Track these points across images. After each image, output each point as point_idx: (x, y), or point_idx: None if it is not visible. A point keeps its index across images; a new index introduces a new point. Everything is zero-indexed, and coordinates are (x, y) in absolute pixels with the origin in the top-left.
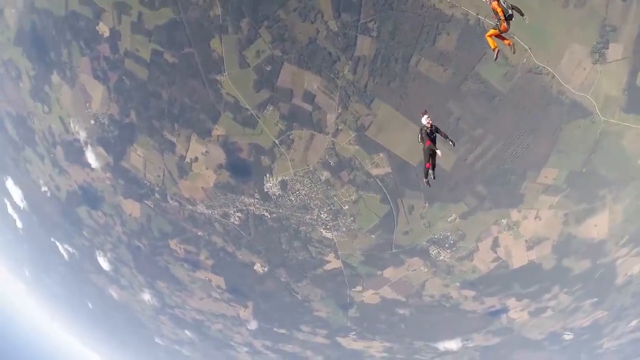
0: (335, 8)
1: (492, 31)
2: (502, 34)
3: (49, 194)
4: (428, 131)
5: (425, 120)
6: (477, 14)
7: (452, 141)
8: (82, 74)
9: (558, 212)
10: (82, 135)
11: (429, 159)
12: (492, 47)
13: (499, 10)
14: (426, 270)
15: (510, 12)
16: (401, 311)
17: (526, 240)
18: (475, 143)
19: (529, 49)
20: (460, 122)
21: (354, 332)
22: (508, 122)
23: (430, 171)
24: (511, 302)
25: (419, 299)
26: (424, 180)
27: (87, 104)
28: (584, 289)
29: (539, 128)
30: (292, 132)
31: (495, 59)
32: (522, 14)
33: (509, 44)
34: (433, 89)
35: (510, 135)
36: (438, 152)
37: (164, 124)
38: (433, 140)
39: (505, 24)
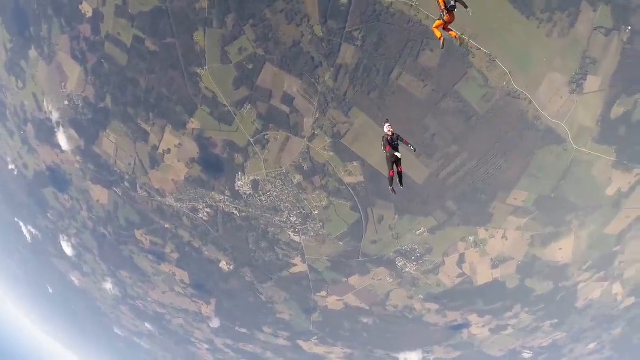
0: (322, 14)
1: (437, 22)
2: (448, 25)
3: (15, 172)
4: (389, 139)
5: (386, 128)
6: (462, 34)
7: (413, 147)
8: (60, 52)
9: (525, 233)
10: (55, 115)
11: (392, 166)
12: (438, 37)
13: (440, 1)
14: (391, 280)
15: (452, 3)
16: (364, 320)
17: (492, 259)
18: (449, 160)
19: (509, 72)
20: (436, 138)
21: (316, 337)
22: (483, 142)
23: (397, 180)
24: (473, 318)
25: (383, 309)
26: (390, 187)
27: (63, 84)
28: (545, 310)
29: (513, 151)
30: (268, 132)
31: (442, 47)
32: (465, 6)
33: (455, 36)
34: (412, 103)
35: (484, 155)
36: (398, 154)
37: (139, 112)
38: (395, 148)
39: (448, 15)
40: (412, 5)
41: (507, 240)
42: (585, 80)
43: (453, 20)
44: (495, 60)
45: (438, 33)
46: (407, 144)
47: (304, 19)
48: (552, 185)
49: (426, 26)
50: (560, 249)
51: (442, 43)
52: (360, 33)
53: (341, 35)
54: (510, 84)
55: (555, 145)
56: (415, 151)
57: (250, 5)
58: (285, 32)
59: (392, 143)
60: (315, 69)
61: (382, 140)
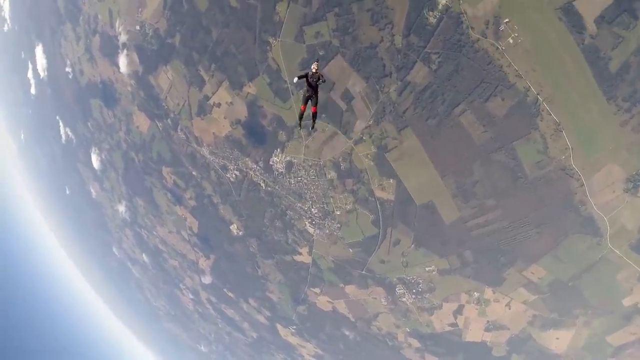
0: (407, 26)
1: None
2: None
3: (70, 76)
4: (310, 78)
5: (314, 67)
6: (538, 94)
7: (323, 79)
8: None
9: (529, 310)
10: (123, 37)
11: (306, 102)
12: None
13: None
14: (385, 303)
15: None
16: (346, 331)
17: (488, 321)
18: (483, 211)
19: (572, 148)
20: (478, 186)
21: (295, 327)
22: (522, 206)
23: (311, 119)
24: None
25: (367, 327)
26: (298, 122)
27: (140, 10)
28: None
29: (547, 225)
30: (319, 121)
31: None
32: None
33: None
34: (466, 143)
35: (518, 219)
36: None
37: (203, 59)
38: (312, 86)
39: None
40: (497, 48)
41: (509, 309)
42: None
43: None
44: (562, 131)
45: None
46: (323, 81)
47: (388, 25)
48: (572, 273)
49: (505, 73)
50: (557, 338)
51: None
52: (438, 57)
53: (419, 53)
54: (568, 160)
55: (591, 236)
56: (324, 82)
57: None
58: (365, 32)
59: (312, 81)
60: (384, 77)
61: (305, 77)
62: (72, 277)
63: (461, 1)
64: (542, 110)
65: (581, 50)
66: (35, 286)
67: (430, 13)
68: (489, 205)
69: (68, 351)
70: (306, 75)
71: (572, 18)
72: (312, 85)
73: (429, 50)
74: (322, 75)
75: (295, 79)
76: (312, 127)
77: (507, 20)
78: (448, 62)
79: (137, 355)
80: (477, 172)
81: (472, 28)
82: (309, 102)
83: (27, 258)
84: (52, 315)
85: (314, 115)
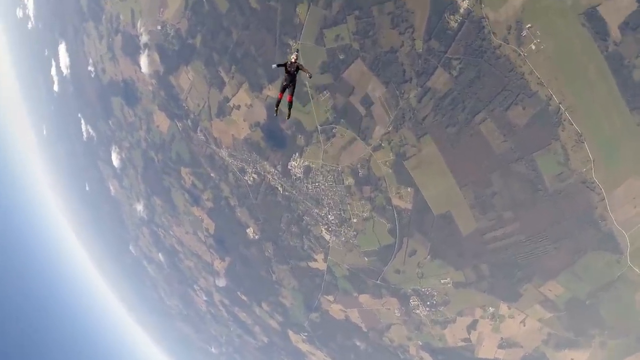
0: (428, 30)
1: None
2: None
3: (93, 74)
4: (289, 67)
5: (293, 56)
6: (560, 103)
7: (309, 74)
8: None
9: (544, 328)
10: (144, 38)
11: (284, 90)
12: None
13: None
14: (399, 315)
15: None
16: (358, 342)
17: (502, 338)
18: (501, 224)
19: (593, 160)
20: (496, 197)
21: (306, 334)
22: (541, 220)
23: (287, 108)
24: None
25: (379, 337)
26: (275, 108)
27: (161, 10)
28: None
29: (566, 241)
30: (337, 126)
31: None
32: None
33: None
34: (485, 153)
35: (536, 233)
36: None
37: (223, 60)
38: (290, 74)
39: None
40: (519, 55)
41: (524, 326)
42: None
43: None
44: (583, 142)
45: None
46: (306, 72)
47: (408, 29)
48: (590, 291)
49: (527, 81)
50: (572, 359)
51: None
52: (459, 63)
53: (440, 58)
54: (590, 172)
55: (610, 253)
56: (310, 77)
57: None
58: (386, 36)
59: (291, 70)
60: (404, 82)
61: (285, 65)
62: (87, 272)
63: (483, 5)
64: (564, 120)
65: (605, 57)
66: (51, 279)
67: (452, 17)
68: (507, 217)
69: (79, 346)
70: (285, 64)
71: (595, 24)
72: (291, 74)
73: (450, 56)
74: (301, 66)
75: (274, 66)
76: (288, 117)
77: (529, 25)
78: (469, 68)
79: (148, 353)
80: (496, 183)
81: (494, 33)
82: (287, 90)
83: (43, 250)
84: (66, 308)
85: (290, 105)
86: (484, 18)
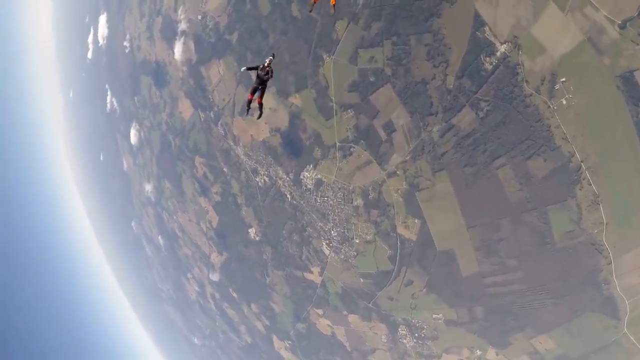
0: (462, 67)
1: None
2: None
3: (127, 50)
4: (261, 71)
5: (267, 60)
6: (582, 162)
7: (271, 74)
8: None
9: None
10: (183, 26)
11: (254, 92)
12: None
13: None
14: (385, 341)
15: None
16: None
17: None
18: (503, 270)
19: (606, 224)
20: (502, 243)
21: (290, 342)
22: (543, 273)
23: (257, 108)
24: None
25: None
26: (247, 108)
27: (204, 0)
28: None
29: (566, 298)
30: (356, 146)
31: (310, 10)
32: None
33: (333, 3)
34: (499, 198)
35: (537, 285)
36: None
37: (256, 61)
38: (261, 79)
39: None
40: (549, 107)
41: None
42: None
43: None
44: (599, 204)
45: None
46: (272, 77)
47: (443, 63)
48: (582, 351)
49: (552, 134)
50: None
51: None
52: (487, 105)
53: (469, 97)
54: (601, 235)
55: (609, 317)
56: (261, 113)
57: (400, 23)
58: (419, 66)
59: (261, 74)
60: (429, 115)
61: (256, 68)
62: (86, 237)
63: (520, 52)
64: (583, 179)
65: (634, 123)
66: (49, 232)
67: (487, 59)
68: (510, 265)
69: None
70: (257, 68)
71: (630, 88)
72: (262, 79)
73: (480, 97)
74: (271, 70)
75: (244, 69)
76: (259, 117)
77: (564, 79)
78: (497, 111)
79: (131, 330)
80: (505, 229)
81: (527, 81)
82: (257, 93)
83: (47, 203)
84: (59, 263)
85: (260, 107)
86: (519, 65)
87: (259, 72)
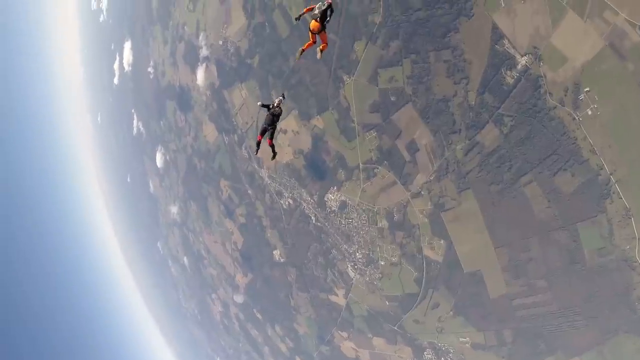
0: (483, 83)
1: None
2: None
3: (151, 76)
4: (270, 108)
5: (277, 100)
6: (611, 174)
7: (272, 146)
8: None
9: None
10: (204, 52)
11: (263, 133)
12: (306, 45)
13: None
14: None
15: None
16: None
17: None
18: (532, 292)
19: (638, 239)
20: (531, 264)
21: None
22: (574, 294)
23: (268, 149)
24: None
25: None
26: (256, 149)
27: (225, 26)
28: None
29: (598, 319)
30: (379, 167)
31: (298, 59)
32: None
33: (321, 49)
34: (526, 216)
35: (568, 307)
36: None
37: (277, 84)
38: (271, 120)
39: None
40: (574, 119)
41: None
42: None
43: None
44: (630, 218)
45: (311, 38)
46: (272, 136)
47: (463, 79)
48: None
49: (579, 147)
50: None
51: (300, 53)
52: (511, 121)
53: (492, 113)
54: (633, 251)
55: None
56: (273, 153)
57: (418, 40)
58: (440, 84)
59: (272, 114)
60: (452, 133)
61: (269, 107)
62: (114, 254)
63: (542, 63)
64: (613, 193)
65: None
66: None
67: (509, 72)
68: (539, 286)
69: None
70: (269, 106)
71: None
72: (271, 119)
73: (503, 112)
74: (280, 110)
75: (259, 104)
76: (272, 158)
77: (587, 89)
78: (521, 126)
79: (155, 347)
80: (534, 249)
81: (550, 94)
82: (267, 134)
83: (76, 221)
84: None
85: (272, 148)
86: (541, 77)
87: (271, 110)
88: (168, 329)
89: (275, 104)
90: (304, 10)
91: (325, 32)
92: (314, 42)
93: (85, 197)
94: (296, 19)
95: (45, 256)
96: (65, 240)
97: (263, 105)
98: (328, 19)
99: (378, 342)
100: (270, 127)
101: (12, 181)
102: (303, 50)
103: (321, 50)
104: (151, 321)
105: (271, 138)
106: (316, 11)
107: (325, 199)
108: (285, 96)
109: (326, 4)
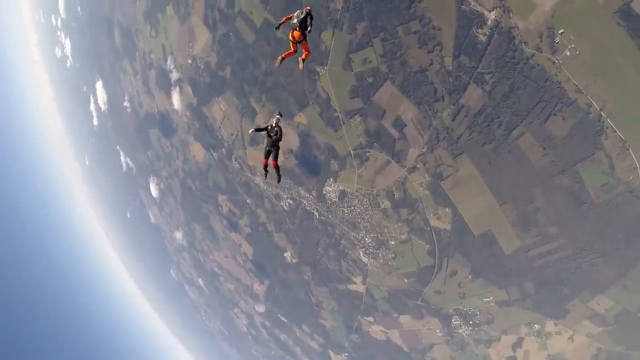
0: (456, 46)
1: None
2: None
3: (129, 110)
4: (269, 131)
5: (274, 120)
6: (601, 110)
7: (277, 168)
8: (194, 16)
9: (593, 343)
10: (175, 75)
11: (268, 156)
12: (286, 53)
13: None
14: (440, 334)
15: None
16: None
17: (549, 355)
18: (545, 240)
19: None
20: (539, 213)
21: (347, 355)
22: (587, 233)
23: (273, 171)
24: None
25: (421, 358)
26: (264, 173)
27: (190, 44)
28: None
29: (615, 253)
30: (371, 150)
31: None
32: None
33: (303, 59)
34: (525, 168)
35: (583, 247)
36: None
37: (254, 91)
38: (272, 140)
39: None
40: (554, 63)
41: (572, 342)
42: None
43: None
44: (628, 149)
45: (292, 47)
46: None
47: (436, 46)
48: None
49: (564, 89)
50: None
51: (279, 61)
52: (492, 77)
53: (471, 74)
54: (636, 180)
55: None
56: (278, 180)
57: (384, 18)
58: (414, 56)
59: (272, 135)
60: (436, 101)
61: (263, 130)
62: (132, 295)
63: (511, 14)
64: (607, 128)
65: None
66: (97, 301)
67: (480, 30)
68: (551, 233)
69: None
70: (265, 129)
71: (631, 21)
72: (273, 140)
73: (482, 71)
74: (280, 130)
75: (251, 131)
76: (278, 181)
77: (562, 31)
78: (503, 81)
79: None
80: (538, 198)
81: (525, 43)
82: (271, 155)
83: (89, 274)
84: (111, 330)
85: (277, 170)
86: (513, 28)
87: (269, 132)
88: (199, 353)
89: (273, 124)
90: (283, 19)
91: (306, 41)
92: (295, 52)
93: (90, 242)
94: (276, 27)
95: (64, 319)
96: (82, 297)
97: (257, 130)
98: (309, 28)
99: (405, 319)
100: (273, 148)
101: (19, 252)
102: (283, 57)
103: (303, 60)
104: (181, 348)
105: (275, 159)
106: (294, 21)
107: (324, 192)
108: (282, 114)
109: (304, 12)
